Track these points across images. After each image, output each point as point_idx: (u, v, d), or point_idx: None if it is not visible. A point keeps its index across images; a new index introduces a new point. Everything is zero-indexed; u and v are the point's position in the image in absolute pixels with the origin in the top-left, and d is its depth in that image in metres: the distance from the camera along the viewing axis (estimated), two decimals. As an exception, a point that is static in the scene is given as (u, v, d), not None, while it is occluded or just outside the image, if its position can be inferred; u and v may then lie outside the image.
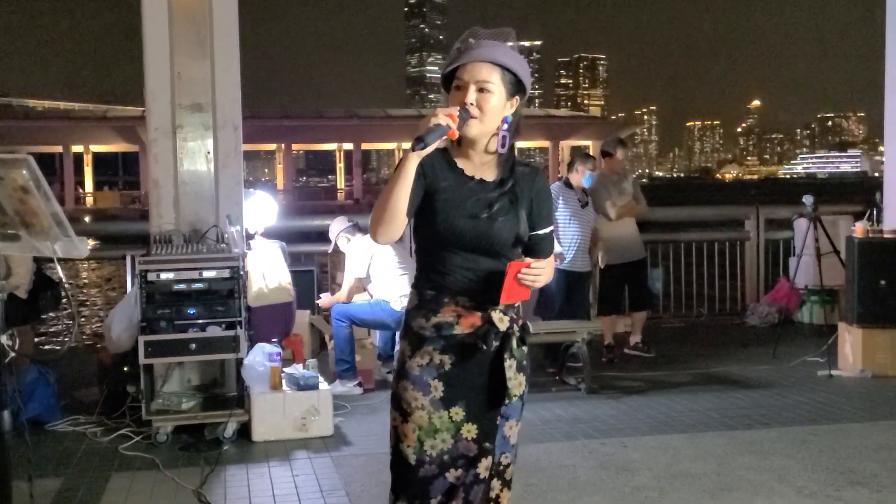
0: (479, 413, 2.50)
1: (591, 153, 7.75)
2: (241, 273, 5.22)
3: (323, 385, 5.36)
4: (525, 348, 2.53)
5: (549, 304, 6.92)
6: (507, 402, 2.49)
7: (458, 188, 2.48)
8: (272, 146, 54.35)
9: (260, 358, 5.31)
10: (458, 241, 2.46)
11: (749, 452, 4.86)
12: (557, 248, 6.61)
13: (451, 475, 2.49)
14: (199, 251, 5.32)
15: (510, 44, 2.47)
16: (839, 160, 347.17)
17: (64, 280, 3.39)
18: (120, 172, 56.69)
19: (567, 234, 6.87)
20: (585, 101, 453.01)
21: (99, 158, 52.73)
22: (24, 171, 2.35)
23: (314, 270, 7.74)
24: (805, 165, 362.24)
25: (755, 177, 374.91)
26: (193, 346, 5.08)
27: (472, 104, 2.41)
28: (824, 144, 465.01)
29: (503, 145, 2.47)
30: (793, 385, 6.40)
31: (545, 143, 54.74)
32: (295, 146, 54.65)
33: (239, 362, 5.23)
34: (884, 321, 6.60)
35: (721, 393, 6.19)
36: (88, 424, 5.43)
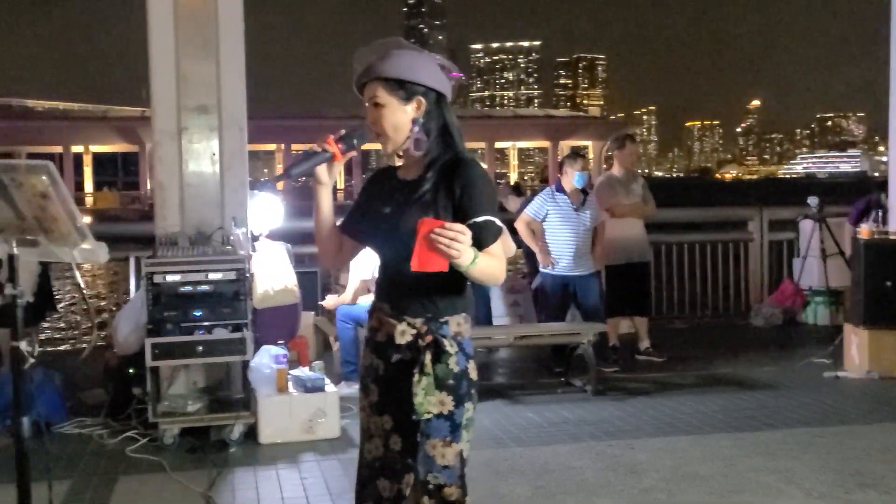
0: (404, 426, 2.43)
1: (582, 154, 7.68)
2: (247, 275, 5.22)
3: (329, 387, 5.36)
4: (453, 366, 2.40)
5: (544, 307, 6.93)
6: (414, 417, 2.39)
7: (385, 195, 2.52)
8: (272, 146, 54.34)
9: (266, 360, 5.30)
10: (376, 244, 2.54)
11: (756, 454, 4.85)
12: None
13: (381, 484, 2.47)
14: (205, 253, 5.32)
15: (394, 51, 2.45)
16: (839, 160, 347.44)
17: (83, 286, 3.38)
18: (119, 173, 56.69)
19: (558, 238, 6.80)
20: (584, 102, 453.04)
21: (99, 159, 52.79)
22: (44, 177, 2.36)
23: (318, 272, 7.73)
24: (805, 165, 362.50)
25: (755, 177, 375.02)
26: (200, 348, 5.08)
27: (372, 123, 2.46)
28: (824, 144, 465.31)
29: (416, 147, 2.46)
30: (799, 386, 6.39)
31: (545, 144, 54.84)
32: (295, 146, 54.66)
33: (245, 364, 5.23)
34: (890, 322, 6.58)
35: (726, 394, 6.18)
36: (95, 426, 5.41)
